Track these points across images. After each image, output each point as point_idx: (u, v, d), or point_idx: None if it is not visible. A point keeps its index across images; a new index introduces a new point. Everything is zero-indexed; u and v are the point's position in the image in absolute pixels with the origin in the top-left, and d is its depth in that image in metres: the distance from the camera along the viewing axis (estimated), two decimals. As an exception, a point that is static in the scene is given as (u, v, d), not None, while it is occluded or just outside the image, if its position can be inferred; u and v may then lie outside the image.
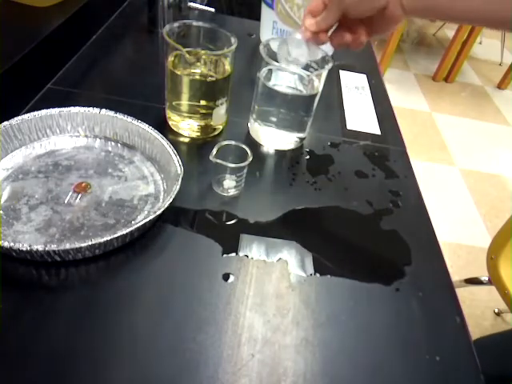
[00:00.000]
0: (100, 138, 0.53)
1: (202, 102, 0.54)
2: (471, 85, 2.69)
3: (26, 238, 0.40)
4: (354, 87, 0.78)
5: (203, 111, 0.55)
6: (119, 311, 0.37)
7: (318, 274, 0.44)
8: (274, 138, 0.59)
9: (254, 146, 0.59)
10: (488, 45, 3.18)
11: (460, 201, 1.77)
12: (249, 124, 0.61)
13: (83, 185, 0.47)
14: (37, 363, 0.33)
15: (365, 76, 0.82)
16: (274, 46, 0.53)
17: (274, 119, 0.56)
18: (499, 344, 0.76)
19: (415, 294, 0.44)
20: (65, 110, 0.50)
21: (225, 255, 0.44)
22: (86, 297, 0.38)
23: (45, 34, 0.59)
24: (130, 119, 0.51)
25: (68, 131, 0.52)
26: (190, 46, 0.53)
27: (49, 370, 0.33)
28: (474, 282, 1.18)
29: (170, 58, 0.52)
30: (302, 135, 0.59)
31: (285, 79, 0.56)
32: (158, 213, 0.41)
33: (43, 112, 0.49)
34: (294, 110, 0.55)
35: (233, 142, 0.49)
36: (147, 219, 0.40)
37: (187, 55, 0.51)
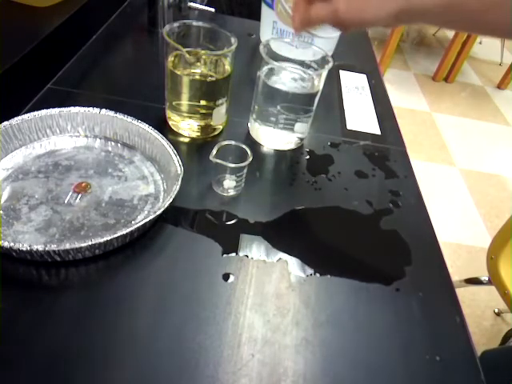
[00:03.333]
0: (100, 138, 0.53)
1: (202, 102, 0.54)
2: (471, 85, 2.69)
3: (26, 238, 0.40)
4: (354, 87, 0.78)
5: (203, 111, 0.55)
6: (119, 311, 0.37)
7: (317, 274, 0.44)
8: (274, 138, 0.59)
9: (254, 146, 0.59)
10: (488, 45, 3.18)
11: (460, 201, 1.77)
12: (249, 124, 0.61)
13: (83, 185, 0.47)
14: (37, 363, 0.33)
15: (365, 76, 0.82)
16: (274, 46, 0.53)
17: (273, 119, 0.56)
18: (506, 358, 0.75)
19: (415, 293, 0.44)
20: (65, 110, 0.50)
21: (225, 255, 0.44)
22: (86, 297, 0.38)
23: (45, 34, 0.59)
24: (130, 119, 0.51)
25: (68, 131, 0.52)
26: (190, 46, 0.53)
27: (49, 370, 0.33)
28: (474, 281, 1.18)
29: (170, 58, 0.52)
30: (302, 135, 0.59)
31: (285, 79, 0.56)
32: (158, 213, 0.41)
33: (43, 112, 0.49)
34: (295, 109, 0.55)
35: (233, 142, 0.49)
36: (147, 219, 0.40)
37: (187, 55, 0.51)
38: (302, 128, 0.58)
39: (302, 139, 0.60)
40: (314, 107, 0.56)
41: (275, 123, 0.56)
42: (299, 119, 0.56)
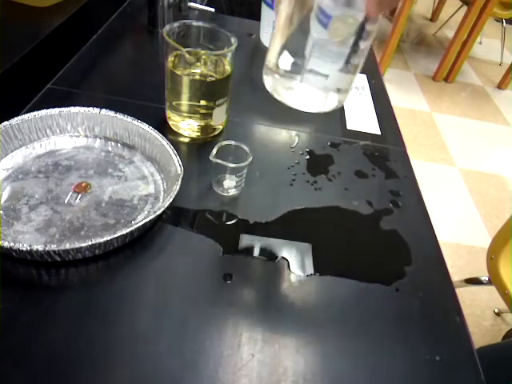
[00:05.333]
0: (100, 138, 0.53)
1: (202, 102, 0.54)
2: (471, 85, 2.69)
3: (26, 238, 0.40)
4: (354, 87, 0.78)
5: (203, 111, 0.55)
6: (119, 311, 0.37)
7: (317, 274, 0.44)
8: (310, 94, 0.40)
9: (254, 146, 0.59)
10: (488, 45, 3.18)
11: (460, 201, 1.77)
12: (266, 77, 0.40)
13: (83, 185, 0.47)
14: (37, 363, 0.33)
15: (365, 76, 0.82)
16: None
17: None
18: (504, 354, 0.74)
19: (415, 294, 0.44)
20: (65, 110, 0.50)
21: (225, 255, 0.44)
22: (86, 297, 0.38)
23: (45, 34, 0.59)
24: (130, 119, 0.51)
25: (68, 131, 0.52)
26: (190, 45, 0.53)
27: (49, 370, 0.33)
28: (474, 281, 1.18)
29: (170, 58, 0.52)
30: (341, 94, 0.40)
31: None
32: (158, 213, 0.41)
33: (43, 112, 0.49)
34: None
35: (233, 142, 0.49)
36: (147, 219, 0.40)
37: (187, 55, 0.51)
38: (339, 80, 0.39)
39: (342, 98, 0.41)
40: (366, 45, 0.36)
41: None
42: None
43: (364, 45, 0.37)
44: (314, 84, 0.40)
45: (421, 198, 0.56)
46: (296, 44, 0.38)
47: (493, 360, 0.71)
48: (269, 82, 0.42)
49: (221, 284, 0.41)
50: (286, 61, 0.39)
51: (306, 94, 0.41)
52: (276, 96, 0.42)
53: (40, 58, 0.59)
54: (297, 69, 0.38)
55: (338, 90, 0.41)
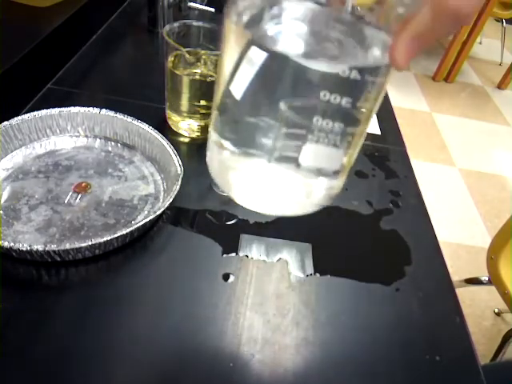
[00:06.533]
0: (100, 138, 0.53)
1: (202, 102, 0.54)
2: (471, 85, 2.69)
3: (26, 238, 0.40)
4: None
5: (203, 111, 0.55)
6: (119, 311, 0.37)
7: (317, 274, 0.44)
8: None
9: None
10: (488, 45, 3.18)
11: (460, 201, 1.77)
12: (209, 153, 0.27)
13: (83, 185, 0.47)
14: (36, 363, 0.33)
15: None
16: None
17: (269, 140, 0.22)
18: (504, 373, 0.74)
19: (415, 294, 0.44)
20: (65, 110, 0.50)
21: (225, 255, 0.44)
22: (86, 297, 0.38)
23: (45, 34, 0.59)
24: (130, 119, 0.51)
25: (68, 131, 0.52)
26: (190, 46, 0.53)
27: (48, 370, 0.33)
28: (474, 282, 1.18)
29: (170, 58, 0.52)
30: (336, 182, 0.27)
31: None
32: (158, 213, 0.41)
33: (43, 112, 0.49)
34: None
35: (233, 142, 0.49)
36: (147, 219, 0.40)
37: (187, 55, 0.51)
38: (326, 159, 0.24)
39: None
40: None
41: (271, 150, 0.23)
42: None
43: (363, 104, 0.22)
44: (288, 166, 0.23)
45: (421, 198, 0.56)
46: (254, 98, 0.22)
47: (493, 378, 0.70)
48: (213, 163, 0.26)
49: (221, 284, 0.41)
50: (244, 129, 0.23)
51: (277, 185, 0.24)
52: (224, 189, 0.27)
53: (40, 58, 0.59)
54: (261, 142, 0.22)
55: (328, 172, 0.25)
